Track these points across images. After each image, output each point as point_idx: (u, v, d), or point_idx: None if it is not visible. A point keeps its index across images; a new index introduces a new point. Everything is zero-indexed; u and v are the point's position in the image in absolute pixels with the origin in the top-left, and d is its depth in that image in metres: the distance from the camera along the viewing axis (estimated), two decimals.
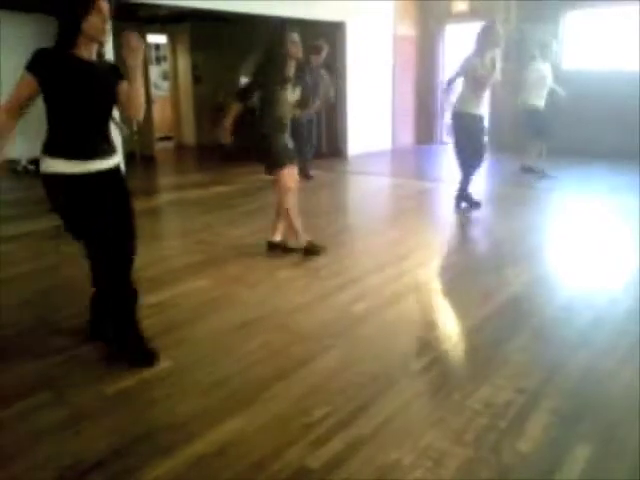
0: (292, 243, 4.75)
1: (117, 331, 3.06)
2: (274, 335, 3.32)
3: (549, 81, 7.60)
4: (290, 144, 4.60)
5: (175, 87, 12.11)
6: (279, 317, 3.57)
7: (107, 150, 2.92)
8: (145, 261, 4.65)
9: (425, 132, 11.49)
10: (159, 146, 11.15)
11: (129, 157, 7.45)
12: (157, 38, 11.85)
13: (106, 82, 2.83)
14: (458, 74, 5.95)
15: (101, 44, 2.79)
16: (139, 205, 6.54)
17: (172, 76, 12.10)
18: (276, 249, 4.76)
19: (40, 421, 2.51)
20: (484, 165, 6.33)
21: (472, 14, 10.43)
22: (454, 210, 6.18)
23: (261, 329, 3.40)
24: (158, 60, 12.29)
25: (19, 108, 2.71)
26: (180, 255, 4.80)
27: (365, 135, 10.17)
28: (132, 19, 9.46)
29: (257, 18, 8.41)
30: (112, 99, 2.86)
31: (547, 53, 7.63)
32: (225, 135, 4.49)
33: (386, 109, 10.68)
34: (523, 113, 7.76)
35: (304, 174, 8.04)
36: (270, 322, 3.49)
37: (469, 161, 6.03)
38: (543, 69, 7.56)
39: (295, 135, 4.88)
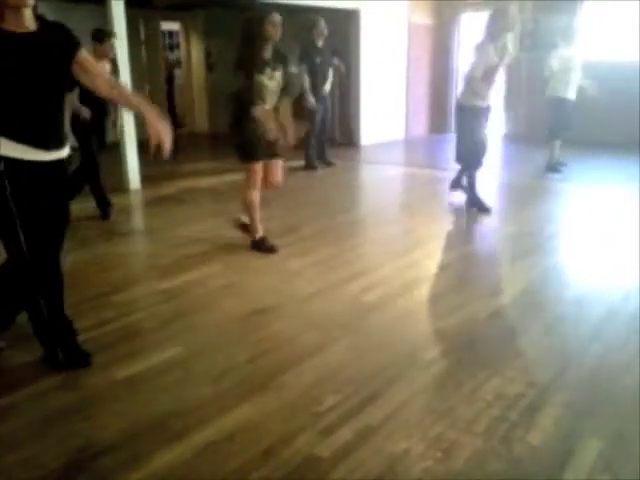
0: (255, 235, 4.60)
1: (45, 329, 2.78)
2: (284, 324, 3.32)
3: (578, 67, 7.07)
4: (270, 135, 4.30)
5: (188, 75, 12.09)
6: (290, 306, 3.56)
7: (56, 141, 2.53)
8: (157, 248, 4.69)
9: (439, 121, 11.41)
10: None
11: (141, 145, 7.43)
12: (170, 25, 11.82)
13: (52, 54, 2.42)
14: (479, 65, 5.37)
15: (33, 8, 2.32)
16: (153, 192, 6.62)
17: (185, 64, 12.08)
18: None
19: (50, 405, 2.52)
20: (497, 157, 6.20)
21: (488, 3, 10.31)
22: (464, 214, 5.77)
23: (272, 317, 3.40)
24: (171, 47, 12.26)
25: None
26: (192, 242, 4.80)
27: (378, 124, 10.12)
28: (146, 6, 9.46)
29: (270, 6, 8.36)
30: (61, 73, 2.49)
31: (571, 37, 7.09)
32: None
33: (400, 98, 10.61)
34: (551, 103, 7.28)
35: (324, 160, 8.15)
36: (281, 311, 3.49)
37: (469, 158, 5.67)
38: (568, 56, 7.03)
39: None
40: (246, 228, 4.68)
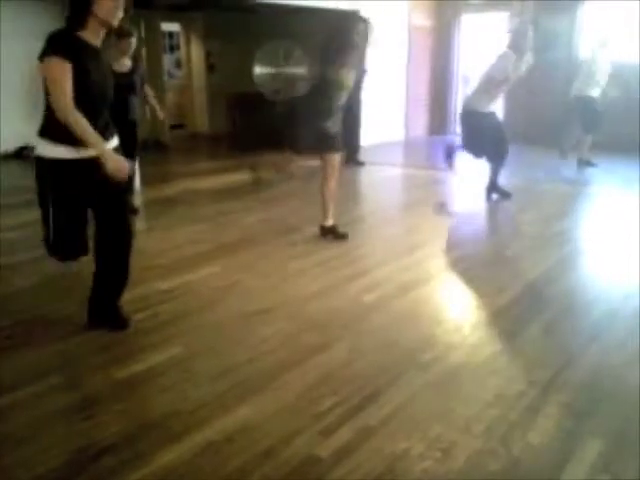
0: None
1: (100, 302, 3.21)
2: (285, 324, 3.32)
3: (605, 72, 7.48)
4: (333, 130, 4.65)
5: (189, 75, 12.08)
6: (290, 306, 3.57)
7: (110, 134, 2.93)
8: (158, 248, 4.68)
9: (438, 123, 11.41)
10: (173, 134, 11.14)
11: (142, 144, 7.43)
12: (171, 26, 11.83)
13: (108, 65, 2.94)
14: (500, 70, 5.74)
15: (110, 30, 2.75)
16: (152, 193, 6.62)
17: (186, 64, 12.08)
18: (328, 234, 4.87)
19: (51, 405, 2.53)
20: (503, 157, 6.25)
21: (488, 4, 10.35)
22: (485, 201, 6.18)
23: (272, 318, 3.40)
24: (172, 48, 12.27)
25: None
26: (193, 243, 4.80)
27: (378, 126, 10.11)
28: (146, 7, 9.45)
29: (271, 6, 8.37)
30: (111, 82, 2.93)
31: (605, 40, 7.55)
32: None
33: (400, 100, 10.61)
34: (577, 103, 7.66)
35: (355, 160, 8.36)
36: (281, 311, 3.49)
37: (494, 156, 6.06)
38: (599, 61, 7.47)
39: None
40: (330, 230, 4.88)
